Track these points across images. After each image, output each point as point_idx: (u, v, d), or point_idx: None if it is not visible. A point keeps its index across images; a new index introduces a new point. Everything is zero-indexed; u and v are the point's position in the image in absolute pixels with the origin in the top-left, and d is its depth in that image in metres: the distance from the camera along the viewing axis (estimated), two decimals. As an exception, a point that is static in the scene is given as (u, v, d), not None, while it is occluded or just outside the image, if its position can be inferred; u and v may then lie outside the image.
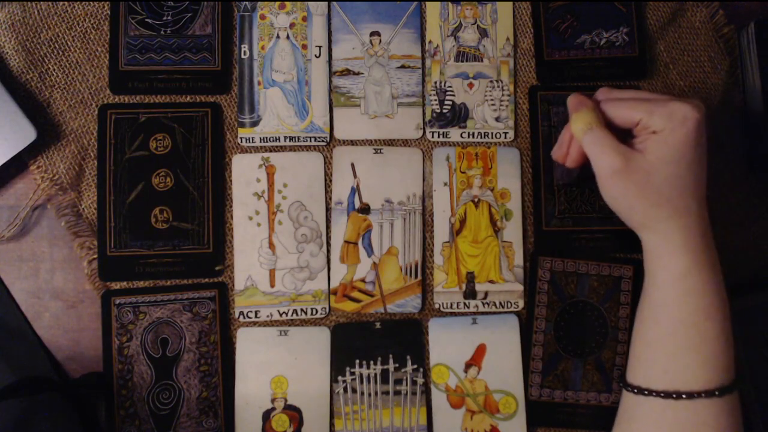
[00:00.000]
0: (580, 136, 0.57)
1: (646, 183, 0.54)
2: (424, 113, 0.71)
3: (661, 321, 0.54)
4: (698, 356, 0.52)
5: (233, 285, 0.68)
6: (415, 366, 0.67)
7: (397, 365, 0.67)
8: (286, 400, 0.66)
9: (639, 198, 0.54)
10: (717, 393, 0.51)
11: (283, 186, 0.69)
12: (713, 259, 0.55)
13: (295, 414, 0.66)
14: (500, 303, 0.68)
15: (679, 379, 0.52)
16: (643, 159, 0.54)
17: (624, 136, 0.57)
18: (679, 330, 0.53)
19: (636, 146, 0.56)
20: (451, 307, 0.68)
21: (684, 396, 0.52)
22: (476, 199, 0.70)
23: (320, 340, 0.67)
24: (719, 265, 0.55)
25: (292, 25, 0.70)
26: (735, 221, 0.71)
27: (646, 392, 0.54)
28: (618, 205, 0.57)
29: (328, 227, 0.69)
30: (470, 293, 0.68)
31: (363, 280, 0.68)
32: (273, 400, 0.66)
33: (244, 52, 0.70)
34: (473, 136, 0.70)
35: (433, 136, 0.70)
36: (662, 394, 0.53)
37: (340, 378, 0.67)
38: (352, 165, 0.69)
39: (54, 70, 0.68)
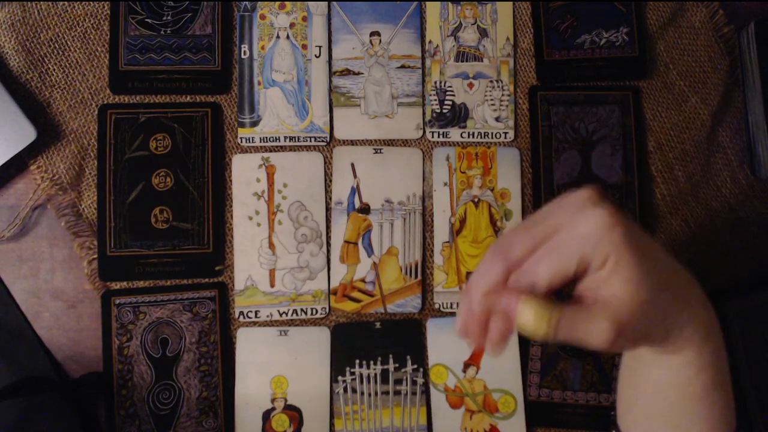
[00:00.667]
0: (550, 338, 0.41)
1: (643, 321, 0.42)
2: (424, 113, 0.71)
3: (665, 397, 0.49)
4: (704, 424, 0.49)
5: (233, 285, 0.68)
6: (415, 366, 0.67)
7: (397, 365, 0.67)
8: (286, 400, 0.66)
9: (646, 338, 0.44)
10: None
11: (283, 186, 0.69)
12: (720, 334, 0.48)
13: (295, 414, 0.66)
14: (500, 303, 0.68)
15: None
16: (620, 302, 0.41)
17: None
18: (685, 406, 0.48)
19: (588, 289, 0.43)
20: (451, 307, 0.68)
21: None
22: (476, 199, 0.70)
23: (320, 340, 0.67)
24: (723, 337, 0.48)
25: (292, 25, 0.70)
26: (735, 221, 0.71)
27: None
28: (627, 350, 0.49)
29: (328, 227, 0.69)
30: (470, 293, 0.68)
31: (363, 280, 0.68)
32: (273, 400, 0.66)
33: (244, 52, 0.70)
34: (473, 136, 0.70)
35: (433, 136, 0.70)
36: None
37: (340, 378, 0.67)
38: (352, 165, 0.69)
39: (54, 70, 0.68)
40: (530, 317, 0.41)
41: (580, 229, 0.41)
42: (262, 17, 0.70)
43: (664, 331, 0.44)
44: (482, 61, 0.71)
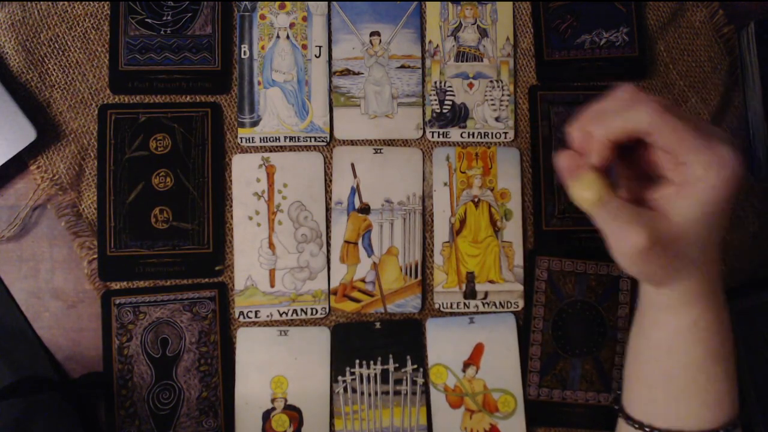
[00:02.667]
0: (589, 209, 0.45)
1: (672, 251, 0.44)
2: (424, 113, 0.71)
3: (664, 365, 0.50)
4: (703, 398, 0.49)
5: (233, 285, 0.68)
6: (415, 366, 0.67)
7: (397, 365, 0.67)
8: (286, 400, 0.66)
9: (662, 267, 0.45)
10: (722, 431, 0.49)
11: (283, 186, 0.69)
12: (722, 298, 0.49)
13: (295, 414, 0.66)
14: (500, 303, 0.69)
15: (682, 420, 0.49)
16: (669, 224, 0.44)
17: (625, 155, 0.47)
18: (685, 375, 0.49)
19: (655, 200, 0.45)
20: (451, 307, 0.68)
21: None
22: (476, 199, 0.70)
23: (320, 340, 0.67)
24: (725, 301, 0.50)
25: (292, 25, 0.70)
26: (735, 221, 0.71)
27: (647, 429, 0.51)
28: (637, 274, 0.48)
29: (328, 227, 0.69)
30: (470, 293, 0.68)
31: (363, 280, 0.68)
32: (273, 400, 0.66)
33: (244, 52, 0.70)
34: (473, 136, 0.70)
35: (433, 136, 0.70)
36: None
37: (340, 378, 0.67)
38: (352, 165, 0.69)
39: (54, 70, 0.68)
40: (583, 182, 0.45)
41: (713, 147, 0.42)
42: (262, 17, 0.70)
43: (671, 272, 0.46)
44: (482, 61, 0.71)
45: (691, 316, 0.48)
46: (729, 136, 0.46)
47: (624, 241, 0.44)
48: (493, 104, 0.71)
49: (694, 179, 0.43)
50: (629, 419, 0.52)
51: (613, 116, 0.44)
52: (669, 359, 0.49)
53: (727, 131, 0.46)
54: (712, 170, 0.42)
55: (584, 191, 0.45)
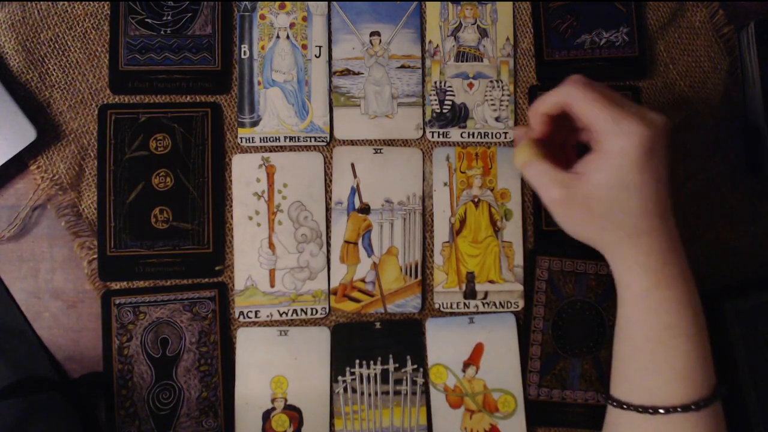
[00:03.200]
0: (521, 170, 0.56)
1: (588, 210, 0.52)
2: (424, 113, 0.71)
3: (631, 337, 0.54)
4: (670, 371, 0.52)
5: (233, 285, 0.68)
6: (415, 366, 0.67)
7: (397, 365, 0.67)
8: (286, 400, 0.66)
9: (584, 224, 0.54)
10: (693, 407, 0.51)
11: (283, 186, 0.69)
12: (680, 274, 0.53)
13: (295, 414, 0.66)
14: (500, 303, 0.69)
15: (654, 394, 0.52)
16: (584, 185, 0.52)
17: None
18: (647, 346, 0.52)
19: (579, 166, 0.53)
20: (451, 307, 0.68)
21: (661, 411, 0.51)
22: (476, 199, 0.70)
23: (320, 340, 0.67)
24: (689, 279, 0.53)
25: (292, 25, 0.70)
26: (735, 221, 0.71)
27: (624, 406, 0.53)
28: (569, 230, 0.56)
29: (328, 227, 0.69)
30: (470, 293, 0.68)
31: (363, 280, 0.68)
32: (273, 400, 0.66)
33: (244, 52, 0.70)
34: (473, 136, 0.70)
35: (433, 136, 0.70)
36: (640, 409, 0.52)
37: (340, 378, 0.67)
38: (352, 165, 0.69)
39: (54, 70, 0.68)
40: (520, 148, 0.56)
41: (621, 120, 0.51)
42: (262, 17, 0.70)
43: (595, 232, 0.54)
44: (482, 61, 0.71)
45: (640, 286, 0.52)
46: (651, 112, 0.51)
47: (544, 194, 0.54)
48: (493, 104, 0.71)
49: (605, 148, 0.51)
50: (610, 399, 0.56)
51: (548, 94, 0.54)
52: (633, 330, 0.53)
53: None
54: (618, 141, 0.50)
55: (517, 155, 0.56)
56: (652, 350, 0.52)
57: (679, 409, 0.51)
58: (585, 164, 0.53)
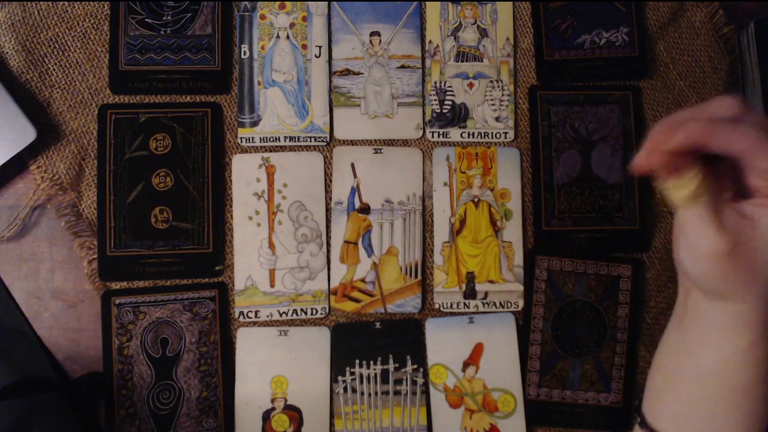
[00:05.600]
0: (683, 207, 0.44)
1: (751, 262, 0.43)
2: (424, 113, 0.71)
3: (707, 385, 0.48)
4: (740, 418, 0.48)
5: (233, 285, 0.68)
6: (415, 366, 0.68)
7: (397, 365, 0.67)
8: (286, 400, 0.66)
9: (735, 279, 0.44)
10: None
11: (283, 186, 0.69)
12: None
13: (295, 414, 0.66)
14: (500, 303, 0.69)
15: None
16: (753, 236, 0.43)
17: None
18: (729, 397, 0.47)
19: (746, 207, 0.44)
20: (451, 307, 0.68)
21: None
22: (476, 199, 0.70)
23: (320, 340, 0.67)
24: None
25: (292, 25, 0.70)
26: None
27: None
28: (704, 280, 0.46)
29: (328, 227, 0.69)
30: (470, 293, 0.68)
31: (363, 280, 0.68)
32: (273, 400, 0.66)
33: (244, 52, 0.70)
34: (473, 136, 0.70)
35: (433, 136, 0.70)
36: None
37: (340, 378, 0.67)
38: (352, 165, 0.69)
39: (54, 70, 0.68)
40: (686, 182, 0.43)
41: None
42: (262, 17, 0.70)
43: (739, 285, 0.44)
44: (482, 61, 0.71)
45: (747, 339, 0.46)
46: None
47: (706, 241, 0.43)
48: (493, 104, 0.71)
49: None
50: None
51: (714, 132, 0.42)
52: (714, 381, 0.48)
53: None
54: None
55: (685, 189, 0.43)
56: (732, 400, 0.47)
57: None
58: (754, 208, 0.44)
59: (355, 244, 0.69)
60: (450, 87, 0.71)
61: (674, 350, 0.51)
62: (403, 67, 0.71)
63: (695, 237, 0.44)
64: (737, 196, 0.45)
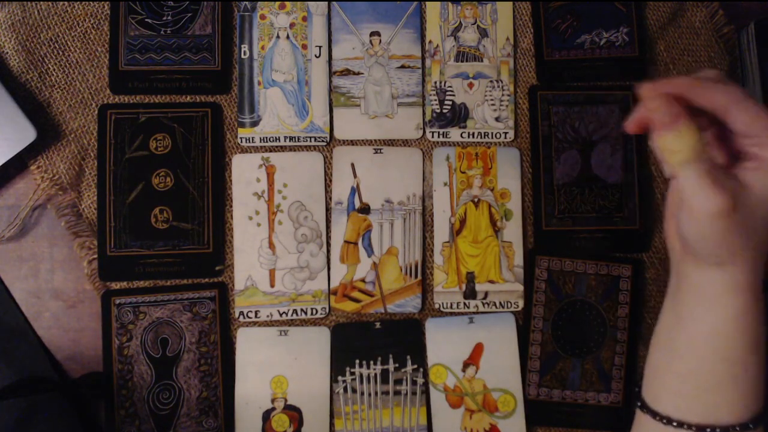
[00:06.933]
0: (679, 165, 0.44)
1: (747, 224, 0.44)
2: (424, 113, 0.71)
3: (702, 356, 0.49)
4: (737, 390, 0.48)
5: (233, 285, 0.68)
6: (415, 366, 0.68)
7: (397, 365, 0.67)
8: (286, 400, 0.66)
9: (732, 241, 0.45)
10: (751, 425, 0.48)
11: (283, 186, 0.69)
12: (761, 287, 0.48)
13: (295, 414, 0.66)
14: (500, 303, 0.69)
15: (714, 413, 0.48)
16: (749, 195, 0.44)
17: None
18: (723, 366, 0.48)
19: (739, 173, 0.45)
20: (451, 307, 0.68)
21: (718, 430, 0.48)
22: (476, 199, 0.70)
23: (320, 340, 0.67)
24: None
25: (292, 25, 0.70)
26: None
27: (675, 423, 0.49)
28: (703, 244, 0.46)
29: (328, 227, 0.69)
30: (470, 293, 0.68)
31: (363, 280, 0.68)
32: (273, 400, 0.66)
33: (244, 52, 0.70)
34: (473, 136, 0.70)
35: (433, 136, 0.70)
36: (694, 428, 0.49)
37: (340, 378, 0.67)
38: (352, 165, 0.69)
39: (54, 70, 0.68)
40: (681, 135, 0.42)
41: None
42: (262, 17, 0.70)
43: (738, 248, 0.45)
44: (482, 61, 0.71)
45: (739, 306, 0.47)
46: None
47: (705, 200, 0.43)
48: (493, 104, 0.71)
49: None
50: (656, 415, 0.50)
51: (698, 87, 0.45)
52: (709, 351, 0.48)
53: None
54: None
55: (679, 145, 0.43)
56: (727, 371, 0.48)
57: (737, 428, 0.48)
58: (748, 170, 0.45)
59: (355, 244, 0.69)
60: (450, 87, 0.71)
61: (669, 326, 0.51)
62: (403, 67, 0.71)
63: (696, 199, 0.44)
64: (729, 162, 0.47)
